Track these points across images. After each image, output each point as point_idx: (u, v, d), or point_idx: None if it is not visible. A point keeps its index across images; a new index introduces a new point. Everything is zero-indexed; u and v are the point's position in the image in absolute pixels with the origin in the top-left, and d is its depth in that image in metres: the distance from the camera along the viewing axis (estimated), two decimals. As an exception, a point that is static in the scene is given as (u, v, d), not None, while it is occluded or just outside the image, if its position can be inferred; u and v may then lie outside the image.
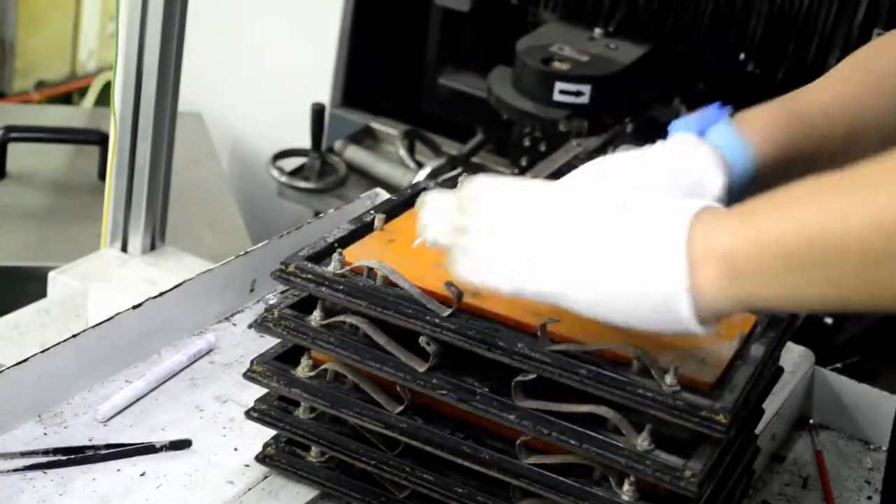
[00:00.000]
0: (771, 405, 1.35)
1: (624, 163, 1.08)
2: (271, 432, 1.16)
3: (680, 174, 1.05)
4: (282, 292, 1.42)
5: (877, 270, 0.80)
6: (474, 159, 2.29)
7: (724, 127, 1.08)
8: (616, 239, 0.89)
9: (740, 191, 1.08)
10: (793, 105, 1.11)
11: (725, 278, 0.86)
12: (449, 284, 1.02)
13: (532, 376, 1.00)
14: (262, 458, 1.15)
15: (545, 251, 0.91)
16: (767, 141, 1.08)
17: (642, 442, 0.98)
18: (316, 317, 1.08)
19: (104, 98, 2.95)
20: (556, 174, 1.83)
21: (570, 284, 0.90)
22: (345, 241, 1.13)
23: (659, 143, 1.09)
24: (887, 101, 1.10)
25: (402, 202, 1.23)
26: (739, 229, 0.86)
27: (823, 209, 0.82)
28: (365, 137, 2.46)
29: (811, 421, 1.47)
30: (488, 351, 1.00)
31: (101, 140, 2.13)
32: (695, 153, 1.06)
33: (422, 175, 2.16)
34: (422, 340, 1.03)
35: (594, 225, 0.90)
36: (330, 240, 1.12)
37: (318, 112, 2.39)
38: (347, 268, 1.06)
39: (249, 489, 1.14)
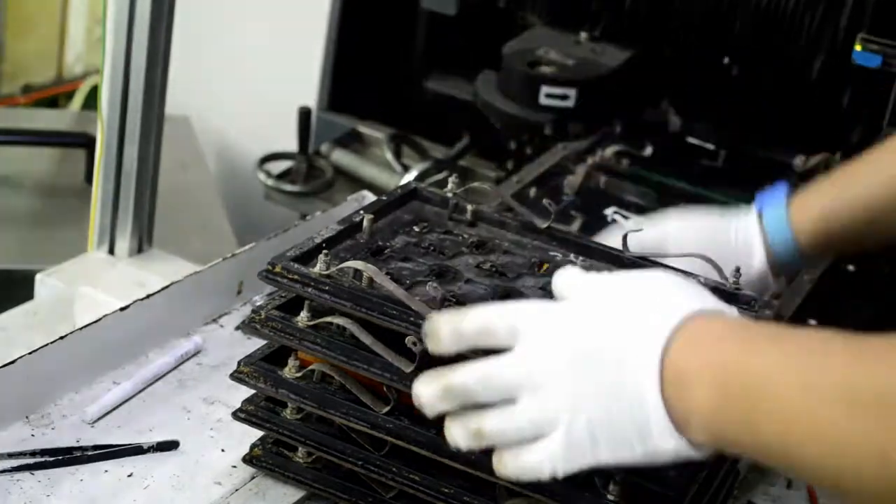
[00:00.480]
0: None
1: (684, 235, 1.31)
2: (258, 433, 1.16)
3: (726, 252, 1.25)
4: (269, 294, 1.43)
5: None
6: (461, 163, 2.29)
7: (776, 209, 1.31)
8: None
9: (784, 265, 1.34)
10: (849, 188, 1.30)
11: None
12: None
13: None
14: (249, 459, 1.16)
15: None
16: (817, 232, 1.31)
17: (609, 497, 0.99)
18: (303, 318, 1.09)
19: (91, 102, 2.95)
20: (542, 177, 1.83)
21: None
22: (332, 242, 1.13)
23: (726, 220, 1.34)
24: None
25: (390, 203, 1.23)
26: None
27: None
28: (352, 141, 2.46)
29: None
30: (471, 352, 1.00)
31: (87, 143, 2.13)
32: (744, 236, 1.32)
33: (408, 178, 2.17)
34: (408, 341, 1.03)
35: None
36: (317, 240, 1.13)
37: (304, 115, 2.39)
38: (334, 268, 1.07)
39: (236, 490, 1.14)
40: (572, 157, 1.84)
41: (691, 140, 1.96)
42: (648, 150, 1.88)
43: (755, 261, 1.31)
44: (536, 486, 1.02)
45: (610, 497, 1.00)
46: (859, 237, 1.31)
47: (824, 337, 0.83)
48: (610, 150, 1.86)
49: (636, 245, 1.15)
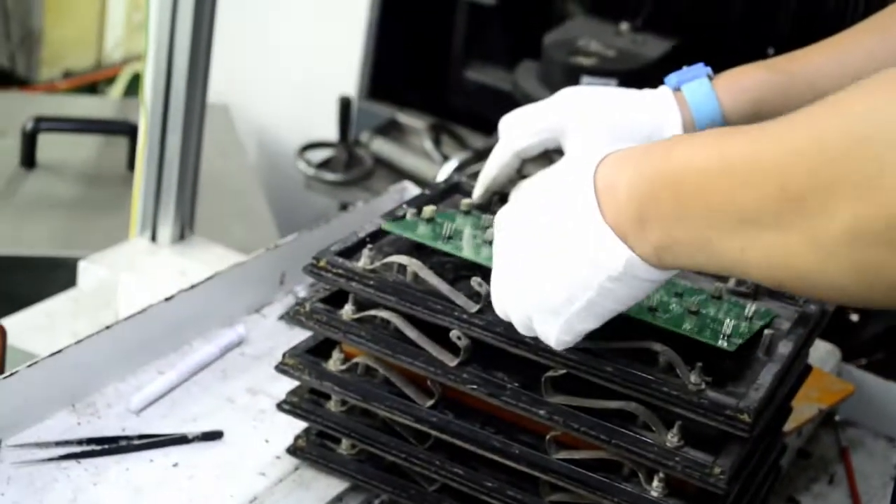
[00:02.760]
0: (797, 401, 1.36)
1: (602, 101, 1.17)
2: (302, 424, 1.17)
3: (642, 122, 1.15)
4: (311, 285, 1.43)
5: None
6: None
7: (698, 83, 1.16)
8: (550, 254, 0.88)
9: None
10: (780, 65, 1.15)
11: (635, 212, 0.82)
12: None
13: (562, 372, 1.01)
14: (293, 450, 1.16)
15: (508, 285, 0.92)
16: (737, 98, 1.15)
17: (672, 438, 0.98)
18: (347, 311, 1.09)
19: (131, 88, 2.97)
20: None
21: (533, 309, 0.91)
22: (375, 236, 1.14)
23: (639, 92, 1.19)
24: None
25: (433, 196, 1.23)
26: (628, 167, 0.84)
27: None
28: (391, 130, 2.47)
29: (837, 418, 1.47)
30: (515, 347, 1.01)
31: (130, 131, 2.14)
32: (661, 103, 1.16)
33: (448, 168, 2.17)
34: (453, 335, 1.04)
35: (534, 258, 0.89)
36: (361, 235, 1.13)
37: (345, 104, 2.40)
38: (378, 263, 1.07)
39: (280, 481, 1.15)
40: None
41: None
42: None
43: (666, 134, 1.16)
44: (580, 481, 1.02)
45: (654, 492, 1.00)
46: (798, 98, 1.10)
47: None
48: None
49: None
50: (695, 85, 1.15)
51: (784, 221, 0.72)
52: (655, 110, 1.16)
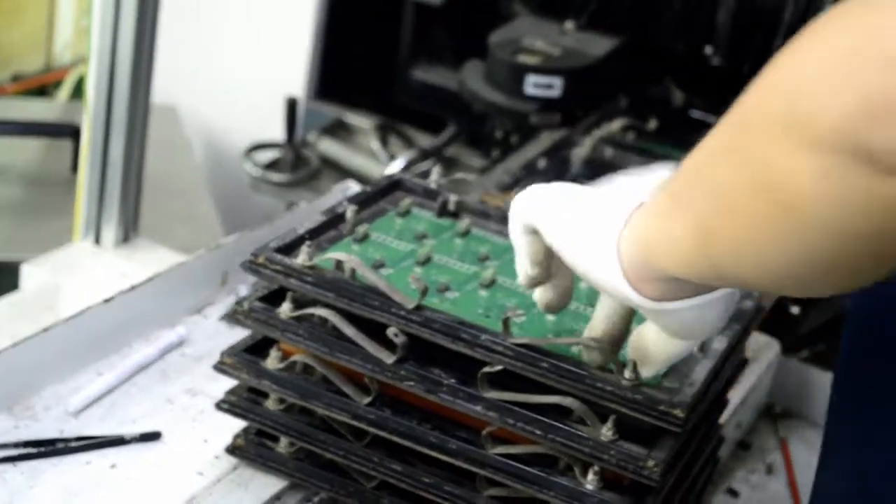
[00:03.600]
0: (736, 394, 1.37)
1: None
2: (241, 424, 1.17)
3: None
4: (253, 285, 1.43)
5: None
6: (447, 152, 2.30)
7: None
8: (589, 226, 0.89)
9: None
10: None
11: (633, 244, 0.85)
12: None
13: (498, 368, 1.01)
14: (231, 450, 1.16)
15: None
16: None
17: (606, 432, 0.99)
18: (285, 309, 1.09)
19: (78, 91, 2.95)
20: (528, 166, 1.86)
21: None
22: (315, 233, 1.14)
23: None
24: None
25: (375, 193, 1.24)
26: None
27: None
28: (338, 130, 2.46)
29: (776, 409, 1.49)
30: (452, 343, 1.01)
31: (74, 133, 2.13)
32: None
33: (395, 167, 2.17)
34: (390, 332, 1.04)
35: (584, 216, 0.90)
36: (300, 231, 1.13)
37: (291, 105, 2.39)
38: (318, 258, 1.07)
39: (219, 480, 1.15)
40: (580, 131, 1.93)
41: (694, 114, 2.05)
42: (653, 124, 2.00)
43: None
44: (516, 475, 1.03)
45: (589, 485, 1.01)
46: None
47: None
48: (616, 124, 1.98)
49: None
50: None
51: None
52: None
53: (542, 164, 1.88)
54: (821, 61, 0.64)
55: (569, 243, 0.90)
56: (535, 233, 0.93)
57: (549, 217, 0.91)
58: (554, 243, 0.91)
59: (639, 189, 0.89)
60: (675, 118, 2.06)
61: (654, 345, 0.95)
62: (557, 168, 1.89)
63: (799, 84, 0.65)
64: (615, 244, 0.85)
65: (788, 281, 0.74)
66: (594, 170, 1.83)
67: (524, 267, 0.96)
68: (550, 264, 0.96)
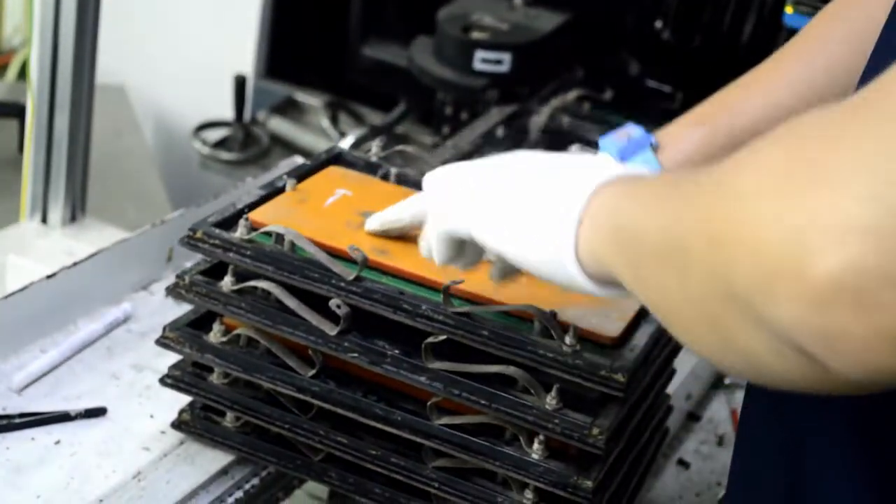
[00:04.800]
0: (685, 365, 1.38)
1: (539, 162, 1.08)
2: (187, 399, 1.16)
3: None
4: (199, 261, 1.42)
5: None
6: (398, 129, 2.29)
7: (643, 160, 1.06)
8: (535, 195, 0.87)
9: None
10: (717, 118, 1.08)
11: (594, 238, 0.82)
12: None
13: (442, 338, 1.01)
14: (177, 425, 1.16)
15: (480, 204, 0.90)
16: (684, 167, 1.06)
17: (550, 401, 0.99)
18: (227, 282, 1.08)
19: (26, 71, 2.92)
20: (486, 135, 1.87)
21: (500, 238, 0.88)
22: (254, 207, 1.13)
23: (581, 156, 1.08)
24: (849, 74, 1.03)
25: (315, 166, 1.23)
26: (612, 194, 0.83)
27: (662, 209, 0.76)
28: (288, 108, 2.46)
29: (726, 381, 1.49)
30: (393, 313, 1.01)
31: (19, 113, 2.11)
32: None
33: (344, 144, 2.16)
34: (332, 304, 1.03)
35: (522, 182, 0.88)
36: (239, 206, 1.13)
37: (240, 83, 2.38)
38: (256, 232, 1.06)
39: (165, 455, 1.14)
40: (537, 100, 1.96)
41: (649, 83, 2.08)
42: (609, 94, 2.01)
43: None
44: (462, 446, 1.03)
45: (534, 455, 1.01)
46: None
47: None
48: (572, 94, 1.99)
49: None
50: (641, 162, 1.07)
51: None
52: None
53: (500, 132, 1.90)
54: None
55: (495, 229, 0.88)
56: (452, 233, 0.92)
57: (469, 209, 0.89)
58: (475, 233, 0.89)
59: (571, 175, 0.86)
60: (631, 88, 2.08)
61: None
62: (515, 137, 1.91)
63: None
64: (572, 229, 0.82)
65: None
66: (551, 138, 1.86)
67: (438, 257, 0.95)
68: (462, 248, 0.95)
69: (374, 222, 1.09)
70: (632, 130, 1.06)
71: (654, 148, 1.06)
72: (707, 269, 0.66)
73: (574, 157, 0.91)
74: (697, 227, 0.67)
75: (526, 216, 0.86)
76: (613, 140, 1.06)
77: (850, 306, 0.57)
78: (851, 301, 0.57)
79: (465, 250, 0.95)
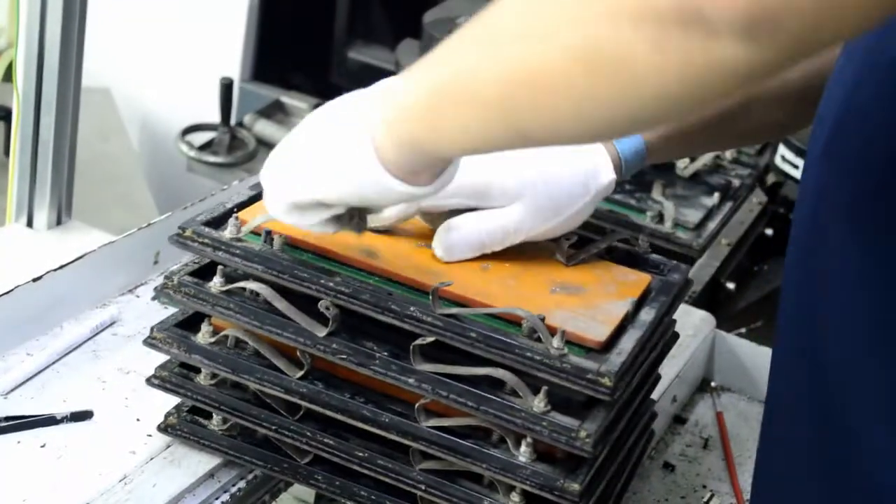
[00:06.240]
0: (671, 369, 1.38)
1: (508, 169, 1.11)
2: (174, 402, 1.16)
3: (568, 157, 1.10)
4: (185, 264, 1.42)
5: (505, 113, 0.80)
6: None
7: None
8: (316, 132, 0.95)
9: (637, 165, 1.14)
10: None
11: (387, 120, 0.87)
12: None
13: (430, 340, 1.01)
14: (164, 428, 1.15)
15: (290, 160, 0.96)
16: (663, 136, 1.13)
17: (538, 403, 0.99)
18: (216, 283, 1.08)
19: (10, 73, 2.91)
20: None
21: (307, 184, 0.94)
22: (244, 206, 1.13)
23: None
24: None
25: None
26: (404, 75, 0.88)
27: (466, 53, 0.82)
28: (275, 111, 2.46)
29: (713, 384, 1.49)
30: (381, 315, 1.01)
31: (5, 115, 2.11)
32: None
33: (331, 148, 2.16)
34: (321, 305, 1.03)
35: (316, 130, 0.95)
36: (229, 205, 1.12)
37: (226, 86, 2.38)
38: (245, 228, 1.06)
39: (151, 458, 1.14)
40: None
41: None
42: None
43: (603, 178, 1.11)
44: (450, 448, 1.03)
45: (522, 457, 1.01)
46: (706, 135, 1.14)
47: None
48: None
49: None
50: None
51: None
52: (584, 149, 1.12)
53: None
54: None
55: (316, 181, 0.93)
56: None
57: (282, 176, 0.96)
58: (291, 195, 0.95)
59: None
60: None
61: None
62: None
63: None
64: (372, 154, 0.88)
65: (605, 135, 0.87)
66: None
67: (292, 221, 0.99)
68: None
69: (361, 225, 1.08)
70: None
71: None
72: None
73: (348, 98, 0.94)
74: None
75: (321, 154, 0.92)
76: None
77: None
78: None
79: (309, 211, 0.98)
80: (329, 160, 0.91)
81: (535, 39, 0.76)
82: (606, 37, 0.71)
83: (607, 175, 1.10)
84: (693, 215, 1.58)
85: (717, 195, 1.62)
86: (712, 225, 1.58)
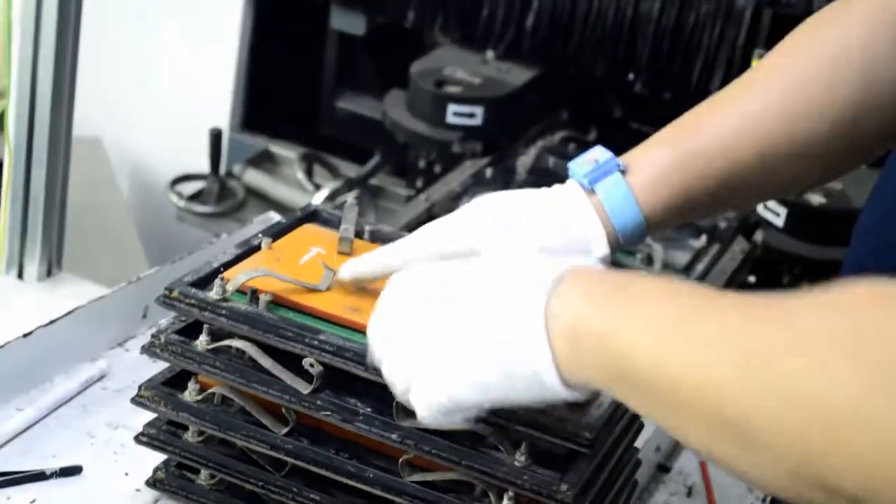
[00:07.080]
0: (654, 418, 1.39)
1: (511, 206, 1.07)
2: (162, 457, 1.17)
3: (561, 229, 1.06)
4: (174, 318, 1.43)
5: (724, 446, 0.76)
6: (372, 181, 2.32)
7: (613, 184, 1.06)
8: (481, 328, 0.87)
9: (637, 238, 1.09)
10: (685, 140, 1.08)
11: (575, 356, 0.83)
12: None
13: (413, 396, 1.02)
14: (152, 483, 1.17)
15: (426, 353, 0.90)
16: (654, 192, 1.07)
17: (520, 457, 1.01)
18: (202, 341, 1.10)
19: (1, 123, 2.93)
20: (476, 175, 1.92)
21: (452, 382, 0.89)
22: (230, 266, 1.15)
23: (551, 190, 1.09)
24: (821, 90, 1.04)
25: (290, 224, 1.24)
26: (586, 312, 0.83)
27: (688, 347, 0.76)
28: (264, 161, 2.48)
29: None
30: (365, 371, 1.02)
31: (-4, 167, 2.12)
32: (578, 204, 1.07)
33: (319, 197, 2.18)
34: (305, 362, 1.05)
35: (461, 320, 0.88)
36: (215, 264, 1.14)
37: (215, 136, 2.40)
38: (230, 286, 1.08)
39: (140, 513, 1.15)
40: (524, 142, 2.07)
41: (633, 125, 2.17)
42: (593, 135, 2.12)
43: (596, 252, 1.07)
44: (433, 502, 1.04)
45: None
46: (719, 173, 1.07)
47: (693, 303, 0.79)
48: (558, 136, 2.10)
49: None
50: (609, 186, 1.06)
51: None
52: (575, 212, 1.07)
53: (489, 173, 1.98)
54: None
55: (490, 387, 0.87)
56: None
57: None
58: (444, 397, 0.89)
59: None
60: (614, 129, 2.17)
61: None
62: (504, 177, 1.98)
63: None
64: (542, 333, 0.83)
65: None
66: (538, 178, 1.93)
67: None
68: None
69: (347, 271, 1.10)
70: (598, 154, 1.07)
71: (623, 171, 1.06)
72: (785, 454, 0.70)
73: (513, 268, 0.89)
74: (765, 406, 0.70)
75: (496, 359, 0.86)
76: (581, 165, 1.07)
77: None
78: None
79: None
80: (506, 370, 0.86)
81: None
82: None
83: (600, 249, 1.06)
84: (681, 257, 1.61)
85: (704, 237, 1.65)
86: (700, 267, 1.61)
